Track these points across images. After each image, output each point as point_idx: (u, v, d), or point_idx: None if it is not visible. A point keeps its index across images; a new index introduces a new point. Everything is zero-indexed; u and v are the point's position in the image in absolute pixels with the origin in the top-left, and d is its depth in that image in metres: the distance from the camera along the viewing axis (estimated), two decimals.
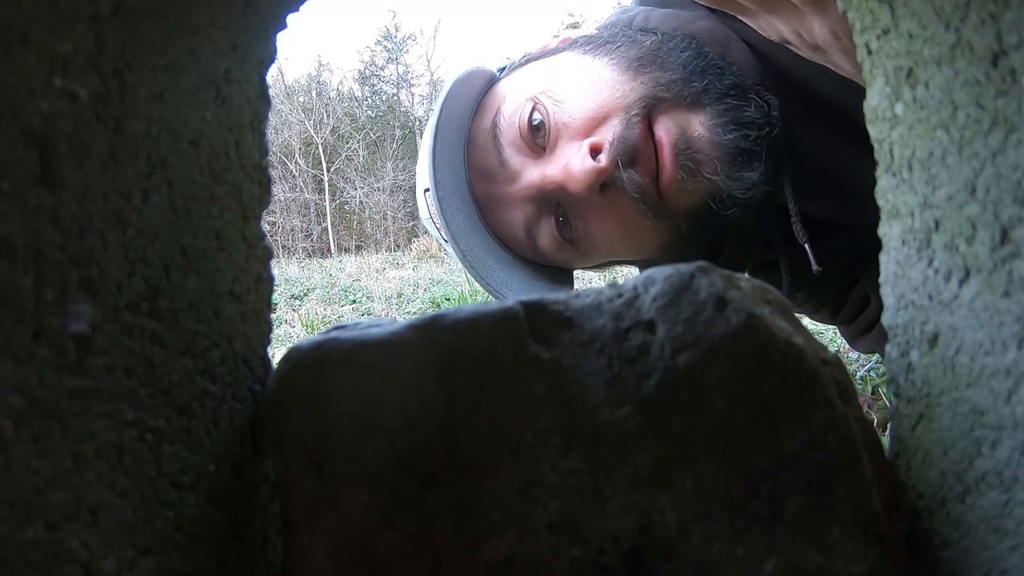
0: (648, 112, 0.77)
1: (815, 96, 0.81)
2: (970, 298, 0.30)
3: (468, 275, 0.90)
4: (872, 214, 0.36)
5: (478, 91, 0.91)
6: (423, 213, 0.95)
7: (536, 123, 0.81)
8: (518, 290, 0.87)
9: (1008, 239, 0.27)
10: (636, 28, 0.88)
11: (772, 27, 0.69)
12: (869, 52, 0.34)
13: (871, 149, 0.36)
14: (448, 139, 0.86)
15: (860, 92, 0.37)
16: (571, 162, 0.78)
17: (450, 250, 0.90)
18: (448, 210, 0.85)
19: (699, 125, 0.77)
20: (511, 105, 0.85)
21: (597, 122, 0.78)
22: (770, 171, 0.78)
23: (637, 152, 0.76)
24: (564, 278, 0.95)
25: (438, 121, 0.84)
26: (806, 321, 1.12)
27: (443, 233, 0.88)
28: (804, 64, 0.72)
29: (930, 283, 0.32)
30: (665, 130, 0.76)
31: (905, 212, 0.33)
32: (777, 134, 0.79)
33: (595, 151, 0.77)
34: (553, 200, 0.83)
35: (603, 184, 0.77)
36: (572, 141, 0.80)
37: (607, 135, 0.77)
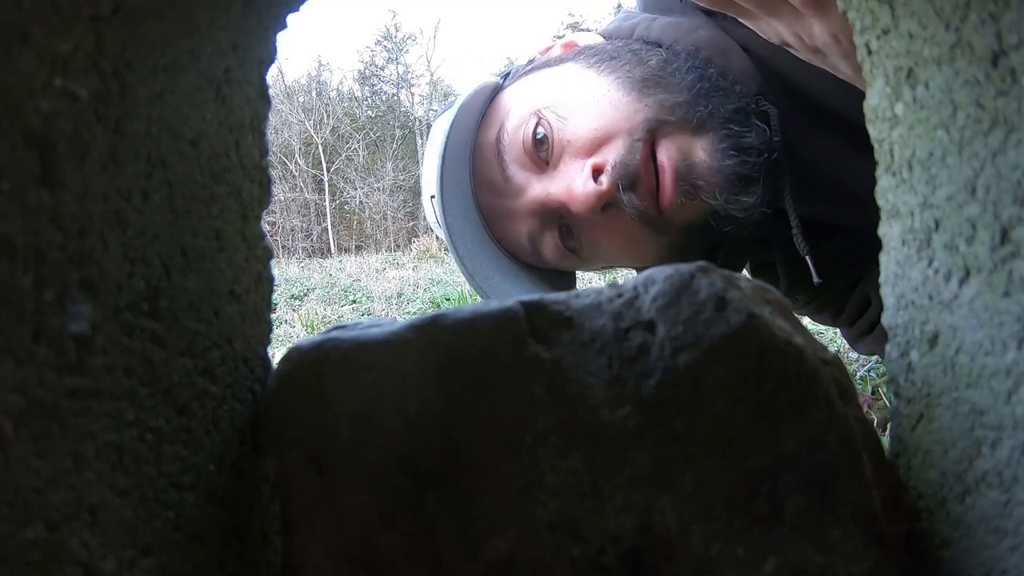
0: (651, 135, 0.78)
1: (815, 99, 0.81)
2: (970, 298, 0.30)
3: (472, 288, 0.92)
4: (873, 216, 0.36)
5: (483, 101, 0.92)
6: (430, 217, 0.97)
7: (540, 137, 0.83)
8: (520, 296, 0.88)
9: (1008, 239, 0.27)
10: (638, 38, 0.89)
11: (772, 29, 0.69)
12: (869, 52, 0.34)
13: (871, 150, 0.36)
14: (454, 153, 0.87)
15: (860, 94, 0.37)
16: (574, 183, 0.80)
17: (456, 264, 0.91)
18: (456, 233, 0.87)
19: (701, 150, 0.78)
20: (515, 119, 0.86)
21: (600, 142, 0.80)
22: (768, 193, 0.80)
23: (638, 176, 0.78)
24: (567, 282, 0.98)
25: (446, 140, 0.85)
26: (806, 321, 1.12)
27: (451, 253, 0.90)
28: (804, 67, 0.73)
29: (930, 283, 0.32)
30: (668, 155, 0.78)
31: (905, 212, 0.33)
32: (777, 155, 0.80)
33: (597, 172, 0.78)
34: (556, 214, 0.85)
35: (604, 204, 0.79)
36: (575, 159, 0.81)
37: (609, 157, 0.78)
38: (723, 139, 0.77)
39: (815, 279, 0.82)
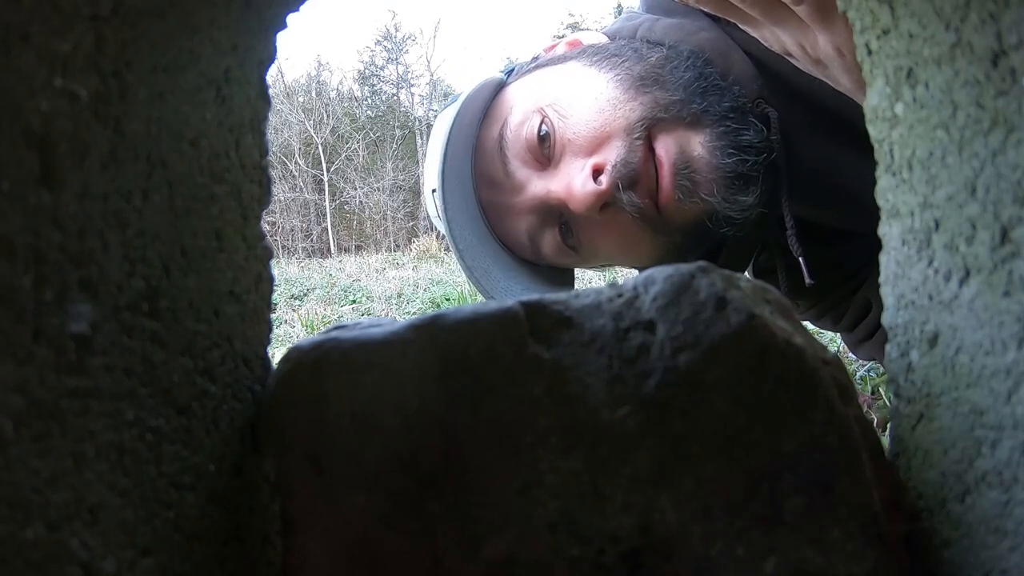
0: (648, 132, 0.79)
1: (817, 104, 0.81)
2: (970, 298, 0.30)
3: (471, 285, 0.93)
4: (874, 221, 0.36)
5: (487, 96, 0.92)
6: (431, 211, 0.97)
7: (543, 134, 0.84)
8: (520, 295, 0.89)
9: (1008, 239, 0.27)
10: (641, 38, 0.89)
11: (775, 38, 0.69)
12: (869, 52, 0.34)
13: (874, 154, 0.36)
14: (457, 148, 0.87)
15: None
16: (574, 182, 0.80)
17: (455, 256, 0.92)
18: (456, 227, 0.88)
19: (699, 145, 0.78)
20: (518, 116, 0.87)
21: (600, 141, 0.80)
22: (766, 194, 0.80)
23: (638, 175, 0.78)
24: (565, 278, 0.98)
25: (449, 134, 0.86)
26: (807, 324, 1.12)
27: (451, 247, 0.90)
28: (805, 73, 0.73)
29: (930, 283, 0.32)
30: (665, 149, 0.78)
31: (905, 212, 0.33)
32: (776, 156, 0.80)
33: (597, 172, 0.79)
34: (556, 211, 0.85)
35: (603, 204, 0.79)
36: (576, 158, 0.82)
37: (610, 157, 0.79)
38: (721, 136, 0.78)
39: (807, 280, 0.83)
